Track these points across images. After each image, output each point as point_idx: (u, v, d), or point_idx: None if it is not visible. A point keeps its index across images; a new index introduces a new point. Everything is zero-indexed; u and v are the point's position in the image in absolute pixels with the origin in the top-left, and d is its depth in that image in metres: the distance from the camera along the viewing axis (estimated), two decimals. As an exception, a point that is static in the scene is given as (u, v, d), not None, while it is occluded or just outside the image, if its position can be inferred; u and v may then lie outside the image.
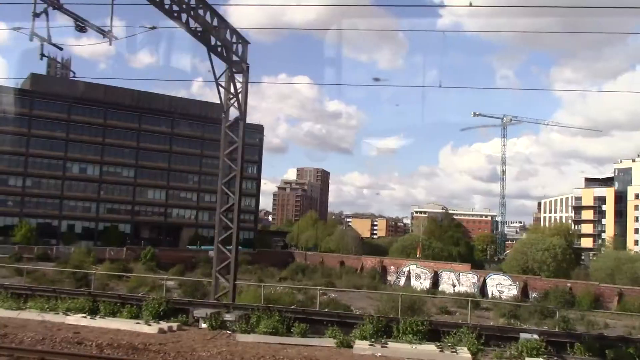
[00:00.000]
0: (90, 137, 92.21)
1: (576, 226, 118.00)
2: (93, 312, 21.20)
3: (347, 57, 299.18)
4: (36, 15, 15.29)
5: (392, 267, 79.38)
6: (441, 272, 72.87)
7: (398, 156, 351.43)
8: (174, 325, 19.54)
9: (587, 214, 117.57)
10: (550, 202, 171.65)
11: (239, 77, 24.25)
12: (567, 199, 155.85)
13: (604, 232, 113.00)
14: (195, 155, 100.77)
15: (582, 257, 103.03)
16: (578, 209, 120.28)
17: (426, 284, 72.75)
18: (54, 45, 16.02)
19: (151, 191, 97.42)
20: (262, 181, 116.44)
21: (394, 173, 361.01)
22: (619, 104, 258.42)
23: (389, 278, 78.32)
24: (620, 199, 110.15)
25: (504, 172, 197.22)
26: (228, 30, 22.98)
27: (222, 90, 24.36)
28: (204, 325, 20.12)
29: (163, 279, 52.82)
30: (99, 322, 19.40)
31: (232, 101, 24.86)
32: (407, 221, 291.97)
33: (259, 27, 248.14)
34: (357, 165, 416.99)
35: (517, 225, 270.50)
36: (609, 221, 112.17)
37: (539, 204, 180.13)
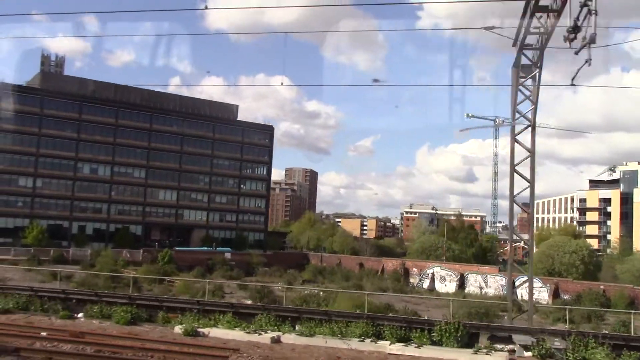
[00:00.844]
0: (101, 137, 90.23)
1: (580, 227, 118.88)
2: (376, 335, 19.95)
3: (326, 58, 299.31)
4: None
5: (414, 269, 78.95)
6: (467, 274, 72.63)
7: (376, 156, 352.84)
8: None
9: (592, 216, 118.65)
10: (545, 202, 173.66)
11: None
12: (565, 199, 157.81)
13: (609, 233, 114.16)
14: (206, 156, 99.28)
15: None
16: (582, 210, 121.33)
17: (452, 286, 72.46)
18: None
19: (162, 192, 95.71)
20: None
21: (371, 173, 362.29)
22: (592, 105, 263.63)
23: (411, 280, 77.91)
24: (626, 200, 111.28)
25: (495, 173, 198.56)
26: None
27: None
28: (527, 354, 18.37)
29: (225, 283, 51.87)
30: (428, 353, 17.76)
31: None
32: (395, 221, 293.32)
33: (238, 26, 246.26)
34: (335, 165, 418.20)
35: (500, 225, 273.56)
36: (614, 223, 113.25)
37: (532, 204, 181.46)
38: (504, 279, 68.95)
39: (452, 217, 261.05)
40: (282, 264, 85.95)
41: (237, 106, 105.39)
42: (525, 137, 25.73)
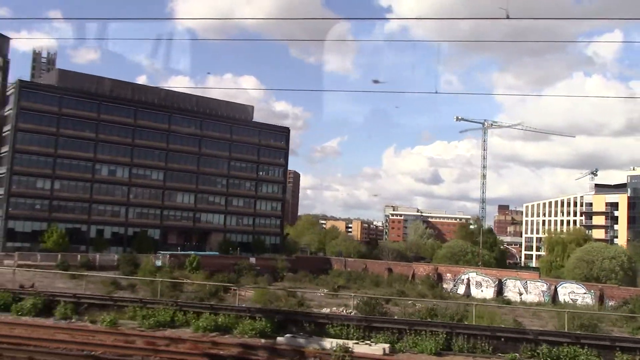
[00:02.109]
0: (119, 137, 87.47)
1: (587, 231, 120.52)
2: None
3: (296, 59, 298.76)
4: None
5: (448, 274, 78.39)
6: (505, 279, 72.36)
7: (342, 158, 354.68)
8: None
9: (599, 220, 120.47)
10: (535, 205, 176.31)
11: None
12: (556, 202, 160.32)
13: (617, 237, 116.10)
14: (223, 158, 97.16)
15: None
16: (588, 214, 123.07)
17: (489, 292, 72.11)
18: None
19: (180, 195, 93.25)
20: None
21: (337, 174, 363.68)
22: (557, 109, 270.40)
23: (444, 286, 77.31)
24: (634, 205, 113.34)
25: (484, 175, 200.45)
26: None
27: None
28: None
29: (306, 291, 49.92)
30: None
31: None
32: (377, 223, 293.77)
33: (209, 25, 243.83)
34: (301, 166, 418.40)
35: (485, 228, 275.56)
36: (621, 227, 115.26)
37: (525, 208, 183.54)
38: (545, 284, 69.18)
39: (438, 220, 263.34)
40: (305, 268, 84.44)
41: (252, 107, 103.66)
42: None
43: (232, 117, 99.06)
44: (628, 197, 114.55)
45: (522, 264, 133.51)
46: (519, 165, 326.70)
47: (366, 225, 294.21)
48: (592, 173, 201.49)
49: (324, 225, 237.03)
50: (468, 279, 75.50)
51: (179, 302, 22.30)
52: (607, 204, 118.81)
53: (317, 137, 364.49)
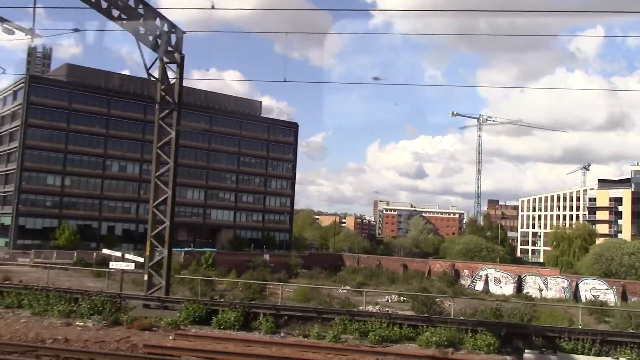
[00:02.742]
0: (130, 133, 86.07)
1: (591, 226, 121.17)
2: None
3: (279, 54, 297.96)
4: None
5: (465, 270, 78.45)
6: (525, 276, 72.47)
7: (327, 153, 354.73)
8: None
9: (602, 215, 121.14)
10: (531, 200, 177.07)
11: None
12: (551, 197, 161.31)
13: (620, 232, 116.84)
14: (233, 154, 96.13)
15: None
16: (592, 209, 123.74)
17: (508, 288, 72.16)
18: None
19: (190, 191, 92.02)
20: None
21: (322, 169, 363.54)
22: (539, 104, 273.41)
23: (462, 282, 77.29)
24: (638, 200, 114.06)
25: (479, 170, 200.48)
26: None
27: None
28: None
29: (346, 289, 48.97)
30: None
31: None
32: (370, 218, 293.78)
33: (192, 19, 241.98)
34: None
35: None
36: (626, 222, 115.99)
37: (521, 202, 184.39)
38: (566, 280, 69.31)
39: (432, 215, 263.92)
40: (317, 265, 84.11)
41: (260, 102, 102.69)
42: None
43: (241, 112, 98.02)
44: (632, 192, 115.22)
45: (528, 259, 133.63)
46: (503, 160, 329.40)
47: (359, 220, 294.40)
48: (584, 168, 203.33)
49: (318, 220, 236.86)
50: (486, 275, 75.55)
51: (391, 315, 20.91)
52: (611, 199, 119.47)
53: (302, 132, 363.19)
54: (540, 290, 70.02)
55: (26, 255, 66.98)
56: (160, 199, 24.94)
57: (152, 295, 23.91)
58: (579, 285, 67.24)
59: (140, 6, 20.61)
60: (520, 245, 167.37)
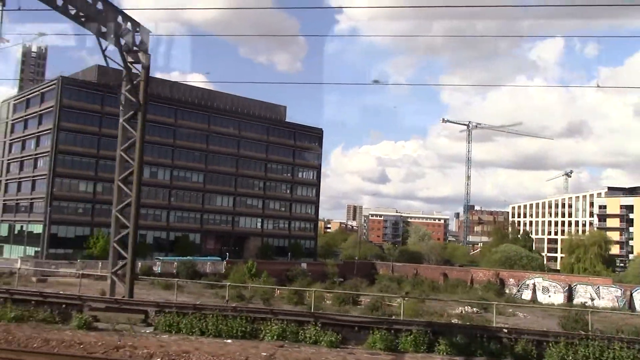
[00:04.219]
0: (161, 137, 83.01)
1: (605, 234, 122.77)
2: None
3: (245, 58, 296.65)
4: None
5: (511, 279, 77.96)
6: (576, 285, 72.31)
7: None
8: None
9: (613, 222, 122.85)
10: (522, 206, 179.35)
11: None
12: (543, 203, 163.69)
13: (632, 239, 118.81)
14: (260, 160, 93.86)
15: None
16: (602, 217, 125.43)
17: (558, 298, 71.83)
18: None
19: (219, 198, 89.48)
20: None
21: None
22: (500, 111, 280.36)
23: (507, 291, 76.80)
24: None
25: (469, 177, 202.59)
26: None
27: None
28: None
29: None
30: None
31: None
32: (351, 223, 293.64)
33: (155, 20, 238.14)
34: None
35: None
36: (637, 229, 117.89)
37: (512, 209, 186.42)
38: (619, 290, 69.34)
39: (418, 221, 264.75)
40: (351, 273, 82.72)
41: (285, 107, 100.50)
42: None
43: (267, 117, 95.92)
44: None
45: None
46: (464, 166, 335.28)
47: (344, 225, 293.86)
48: (567, 174, 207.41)
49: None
50: (534, 284, 75.17)
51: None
52: (621, 207, 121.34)
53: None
54: (592, 300, 69.90)
55: (70, 265, 63.67)
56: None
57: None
58: (634, 294, 67.42)
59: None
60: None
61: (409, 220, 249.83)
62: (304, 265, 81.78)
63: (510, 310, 53.77)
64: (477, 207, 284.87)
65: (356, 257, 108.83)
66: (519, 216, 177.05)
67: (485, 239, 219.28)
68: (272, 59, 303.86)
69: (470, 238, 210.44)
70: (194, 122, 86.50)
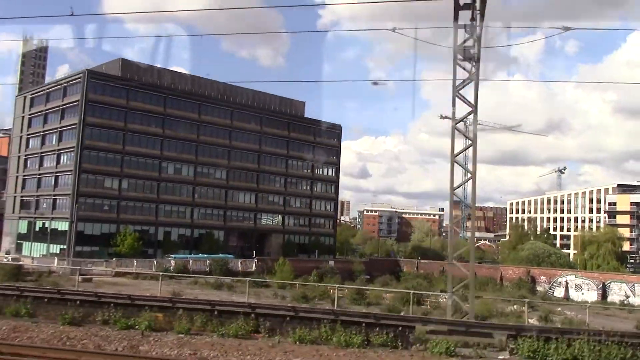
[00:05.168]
0: (185, 133, 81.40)
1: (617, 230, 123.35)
2: None
3: (227, 52, 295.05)
4: None
5: (542, 277, 77.64)
6: (609, 282, 72.19)
7: None
8: None
9: (623, 219, 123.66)
10: (520, 202, 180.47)
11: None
12: (541, 200, 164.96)
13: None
14: (281, 156, 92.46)
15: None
16: (612, 213, 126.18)
17: (591, 295, 71.63)
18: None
19: (242, 194, 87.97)
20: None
21: None
22: (481, 107, 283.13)
23: (539, 289, 76.49)
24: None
25: (466, 173, 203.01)
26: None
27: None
28: None
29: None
30: None
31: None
32: (344, 218, 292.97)
33: (139, 17, 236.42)
34: None
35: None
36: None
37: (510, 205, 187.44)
38: (656, 288, 69.27)
39: (412, 216, 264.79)
40: (377, 270, 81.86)
41: (304, 103, 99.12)
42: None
43: (287, 113, 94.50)
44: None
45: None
46: (444, 162, 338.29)
47: (338, 220, 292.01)
48: (559, 171, 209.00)
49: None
50: (566, 282, 74.97)
51: None
52: (632, 204, 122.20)
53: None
54: (627, 297, 69.88)
55: (107, 264, 61.89)
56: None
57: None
58: (670, 293, 67.47)
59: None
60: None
61: (403, 215, 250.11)
62: (331, 262, 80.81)
63: (559, 309, 53.30)
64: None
65: (375, 254, 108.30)
66: (516, 212, 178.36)
67: (477, 234, 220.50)
68: (254, 53, 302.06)
69: (462, 234, 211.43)
70: (216, 117, 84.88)
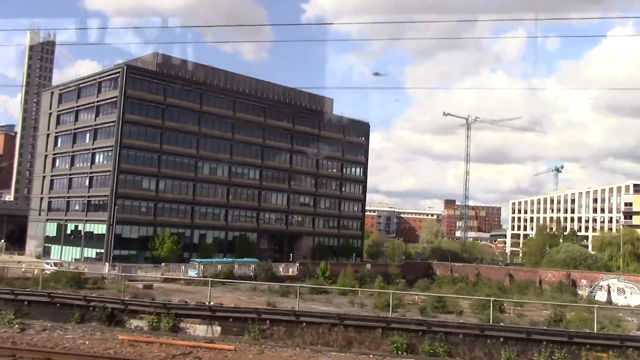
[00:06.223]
0: (220, 131, 79.13)
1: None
2: None
3: (211, 47, 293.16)
4: None
5: (583, 280, 77.12)
6: (654, 286, 71.93)
7: None
8: None
9: (638, 220, 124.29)
10: (523, 202, 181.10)
11: None
12: (538, 200, 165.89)
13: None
14: (312, 155, 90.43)
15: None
16: (628, 214, 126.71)
17: (634, 299, 71.33)
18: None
19: (274, 195, 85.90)
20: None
21: None
22: (464, 105, 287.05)
23: (579, 292, 76.00)
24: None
25: (467, 172, 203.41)
26: None
27: None
28: None
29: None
30: None
31: None
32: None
33: (120, 9, 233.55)
34: None
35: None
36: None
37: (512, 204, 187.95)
38: (703, 292, 69.14)
39: (411, 216, 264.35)
40: (411, 274, 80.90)
41: (332, 100, 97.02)
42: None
43: (317, 110, 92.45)
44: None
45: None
46: (427, 158, 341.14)
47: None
48: (557, 169, 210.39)
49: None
50: (608, 286, 74.58)
51: None
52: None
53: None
54: (672, 301, 69.74)
55: (154, 269, 59.71)
56: None
57: None
58: None
59: None
60: (511, 247, 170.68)
61: (401, 215, 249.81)
62: (368, 266, 79.46)
63: (620, 314, 52.51)
64: (458, 202, 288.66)
65: (402, 256, 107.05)
66: (518, 212, 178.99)
67: (473, 234, 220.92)
68: (237, 48, 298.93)
69: (458, 234, 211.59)
70: (250, 114, 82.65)
